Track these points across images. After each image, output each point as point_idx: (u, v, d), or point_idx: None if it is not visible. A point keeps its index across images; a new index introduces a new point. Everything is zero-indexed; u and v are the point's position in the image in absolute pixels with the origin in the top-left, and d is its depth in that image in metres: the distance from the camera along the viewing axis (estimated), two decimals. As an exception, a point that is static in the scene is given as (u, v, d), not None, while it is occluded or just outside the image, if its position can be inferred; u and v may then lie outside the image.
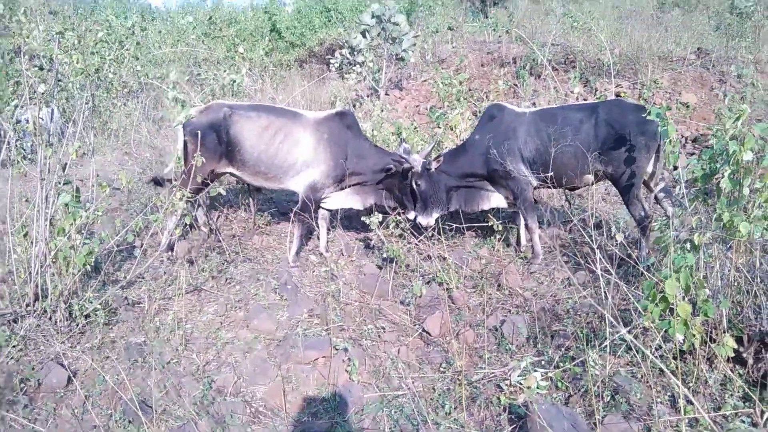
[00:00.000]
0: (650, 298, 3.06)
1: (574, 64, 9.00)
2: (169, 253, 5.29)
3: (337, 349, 4.07)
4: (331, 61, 10.34)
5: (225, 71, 7.66)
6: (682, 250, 3.20)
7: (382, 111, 8.51)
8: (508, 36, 10.80)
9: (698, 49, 9.05)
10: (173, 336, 4.16)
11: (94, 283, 4.42)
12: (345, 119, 5.34)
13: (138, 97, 9.78)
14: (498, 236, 5.67)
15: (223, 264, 5.31)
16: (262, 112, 5.28)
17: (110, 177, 7.92)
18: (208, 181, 5.27)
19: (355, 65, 10.43)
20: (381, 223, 5.13)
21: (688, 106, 7.84)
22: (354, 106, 10.14)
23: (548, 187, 5.24)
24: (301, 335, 4.30)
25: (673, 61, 8.75)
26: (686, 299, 3.10)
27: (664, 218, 4.02)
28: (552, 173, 5.00)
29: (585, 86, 8.46)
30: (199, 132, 4.90)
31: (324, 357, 4.02)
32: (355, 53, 10.00)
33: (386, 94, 10.18)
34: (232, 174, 5.45)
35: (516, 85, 8.82)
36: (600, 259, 3.51)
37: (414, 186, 5.42)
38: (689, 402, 2.89)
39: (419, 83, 10.54)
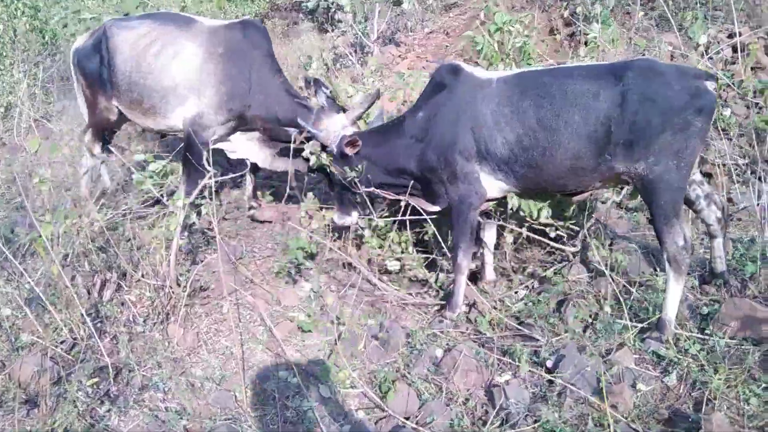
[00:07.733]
0: None
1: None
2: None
3: None
4: (303, 4, 7.43)
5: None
6: None
7: (373, 71, 5.66)
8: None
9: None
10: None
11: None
12: (252, 33, 4.01)
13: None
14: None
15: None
16: (148, 19, 4.14)
17: None
18: (106, 123, 4.25)
19: (335, 12, 7.58)
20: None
21: None
22: (329, 68, 7.29)
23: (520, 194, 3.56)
24: None
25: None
26: None
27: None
28: (537, 176, 3.30)
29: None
30: (81, 58, 4.17)
31: None
32: (336, -6, 7.12)
33: (380, 51, 7.36)
34: (119, 111, 4.22)
35: (571, 35, 6.04)
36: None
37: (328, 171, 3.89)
38: None
39: (423, 36, 7.72)
